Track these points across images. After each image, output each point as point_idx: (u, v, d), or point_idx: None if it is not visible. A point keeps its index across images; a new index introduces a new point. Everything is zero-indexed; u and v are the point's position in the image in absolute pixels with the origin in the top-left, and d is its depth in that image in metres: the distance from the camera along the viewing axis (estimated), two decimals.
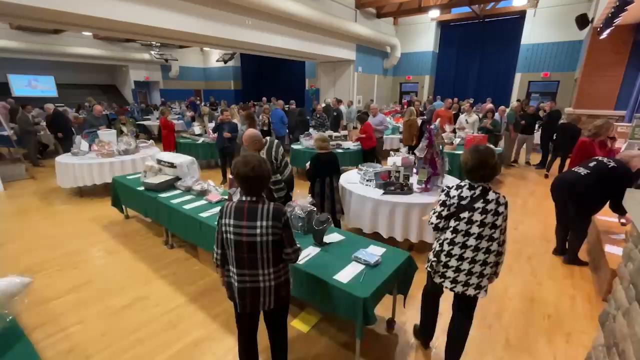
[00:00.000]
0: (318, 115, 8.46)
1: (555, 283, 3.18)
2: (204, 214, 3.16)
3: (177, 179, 3.96)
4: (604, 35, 7.20)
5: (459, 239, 1.88)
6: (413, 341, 2.42)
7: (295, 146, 6.73)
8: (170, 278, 3.21)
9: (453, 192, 1.89)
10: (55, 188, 5.80)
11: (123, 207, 4.52)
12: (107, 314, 2.70)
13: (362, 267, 2.21)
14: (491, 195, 1.82)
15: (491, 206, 1.80)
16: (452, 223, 1.90)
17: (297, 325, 2.55)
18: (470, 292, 1.91)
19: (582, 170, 3.22)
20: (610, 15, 6.16)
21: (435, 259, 2.01)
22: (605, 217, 3.74)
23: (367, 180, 3.84)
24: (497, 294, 2.99)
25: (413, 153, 4.16)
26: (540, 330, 2.54)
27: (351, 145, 6.63)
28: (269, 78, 19.63)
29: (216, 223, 1.75)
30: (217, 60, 19.23)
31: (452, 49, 15.31)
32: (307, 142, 6.65)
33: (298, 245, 1.78)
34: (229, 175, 4.17)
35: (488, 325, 2.59)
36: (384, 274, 2.14)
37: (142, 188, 3.90)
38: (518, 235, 4.19)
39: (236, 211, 1.66)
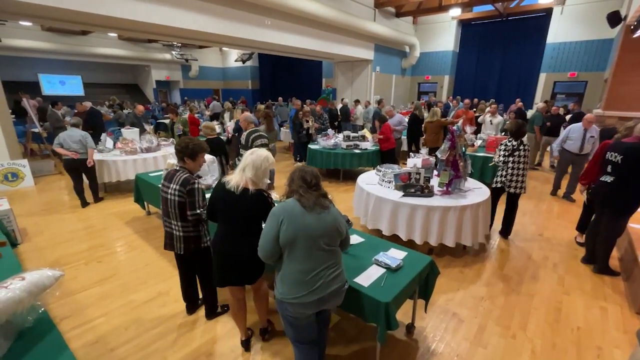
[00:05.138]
0: (318, 116, 8.36)
1: (584, 293, 3.04)
2: None
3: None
4: (638, 33, 6.82)
5: (515, 165, 3.70)
6: (434, 347, 2.37)
7: (312, 146, 6.69)
8: None
9: (507, 143, 3.76)
10: None
11: (145, 203, 4.63)
12: (130, 308, 2.77)
13: (382, 270, 2.17)
14: (523, 143, 3.69)
15: (525, 148, 3.67)
16: (510, 159, 3.71)
17: None
18: (512, 190, 3.76)
19: (609, 178, 3.11)
20: None
21: (504, 178, 3.78)
22: (639, 225, 3.55)
23: (387, 182, 3.78)
24: (521, 301, 2.89)
25: (434, 155, 4.06)
26: (568, 342, 2.43)
27: (368, 145, 6.55)
28: (287, 78, 19.72)
29: None
30: (236, 60, 19.46)
31: (473, 49, 14.89)
32: (324, 142, 6.61)
33: (199, 212, 2.25)
34: None
35: (512, 334, 2.50)
36: (405, 278, 2.10)
37: None
38: (543, 242, 4.03)
39: (167, 175, 2.33)
